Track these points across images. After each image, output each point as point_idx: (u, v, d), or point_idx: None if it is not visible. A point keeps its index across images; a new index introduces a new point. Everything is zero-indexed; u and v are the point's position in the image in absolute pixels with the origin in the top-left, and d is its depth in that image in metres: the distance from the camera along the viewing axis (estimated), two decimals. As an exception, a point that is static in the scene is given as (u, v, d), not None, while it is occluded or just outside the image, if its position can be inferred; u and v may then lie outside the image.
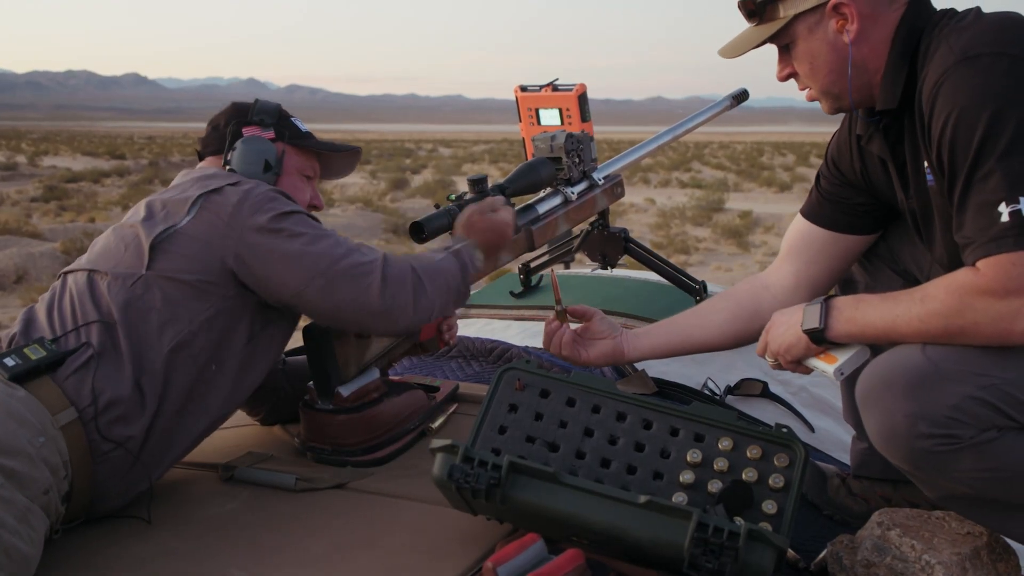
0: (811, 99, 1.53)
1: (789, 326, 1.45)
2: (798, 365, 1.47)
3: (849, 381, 1.55)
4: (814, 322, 1.40)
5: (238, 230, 1.55)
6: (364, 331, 1.76)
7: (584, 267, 3.18)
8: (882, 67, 1.43)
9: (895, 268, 1.66)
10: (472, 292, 2.54)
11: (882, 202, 1.60)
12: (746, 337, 1.70)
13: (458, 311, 2.69)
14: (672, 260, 3.28)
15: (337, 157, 1.90)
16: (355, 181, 24.07)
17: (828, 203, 1.65)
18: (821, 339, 1.41)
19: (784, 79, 1.54)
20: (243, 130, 1.76)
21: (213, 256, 1.55)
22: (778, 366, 1.51)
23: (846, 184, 1.63)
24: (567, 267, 3.05)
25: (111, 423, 1.45)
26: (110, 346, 1.49)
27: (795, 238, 1.71)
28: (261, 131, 1.77)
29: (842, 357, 1.41)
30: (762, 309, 1.61)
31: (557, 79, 2.45)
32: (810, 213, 1.69)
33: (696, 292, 2.59)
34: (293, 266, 1.56)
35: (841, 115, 1.60)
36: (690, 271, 3.33)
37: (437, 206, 1.90)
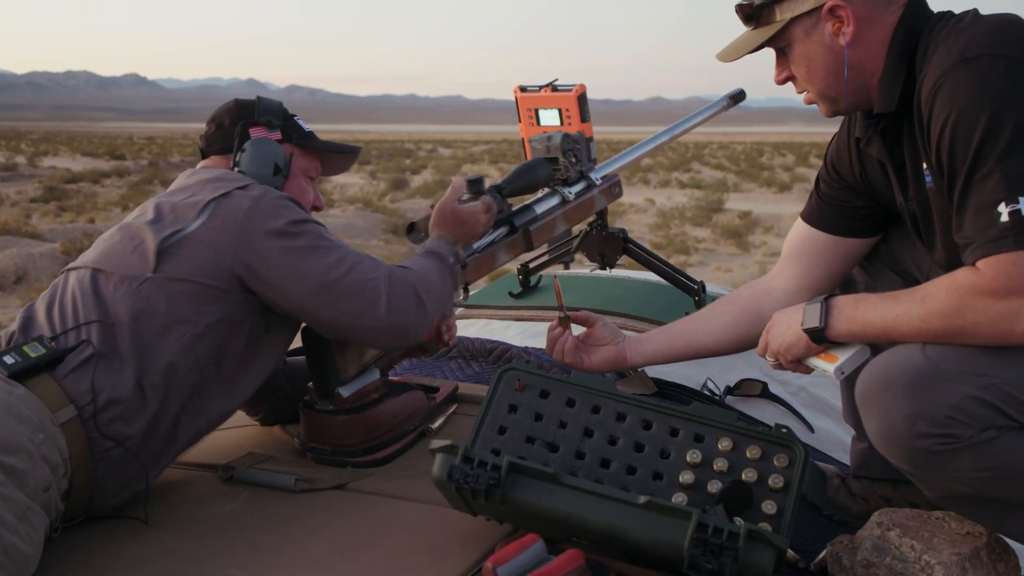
0: (809, 102, 1.53)
1: (789, 325, 1.45)
2: (798, 365, 1.47)
3: (849, 381, 1.55)
4: (814, 321, 1.40)
5: (248, 236, 1.55)
6: (366, 345, 1.76)
7: (583, 267, 3.18)
8: (879, 70, 1.43)
9: (895, 269, 1.67)
10: (472, 293, 2.55)
11: (882, 205, 1.60)
12: (748, 341, 1.70)
13: (458, 311, 2.70)
14: (672, 260, 3.29)
15: (338, 157, 1.90)
16: (355, 181, 24.08)
17: (828, 207, 1.65)
18: (821, 338, 1.41)
19: (782, 82, 1.55)
20: (250, 131, 1.75)
21: (221, 262, 1.55)
22: (779, 366, 1.51)
23: (846, 187, 1.63)
24: (566, 267, 3.05)
25: (110, 421, 1.45)
26: (111, 345, 1.49)
27: (796, 242, 1.71)
28: (268, 132, 1.76)
29: (842, 356, 1.41)
30: (764, 313, 1.61)
31: (557, 79, 2.45)
32: (810, 217, 1.69)
33: (695, 292, 2.59)
34: (301, 277, 1.56)
35: (839, 117, 1.60)
36: (690, 271, 3.33)
37: (434, 207, 1.91)
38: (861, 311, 1.37)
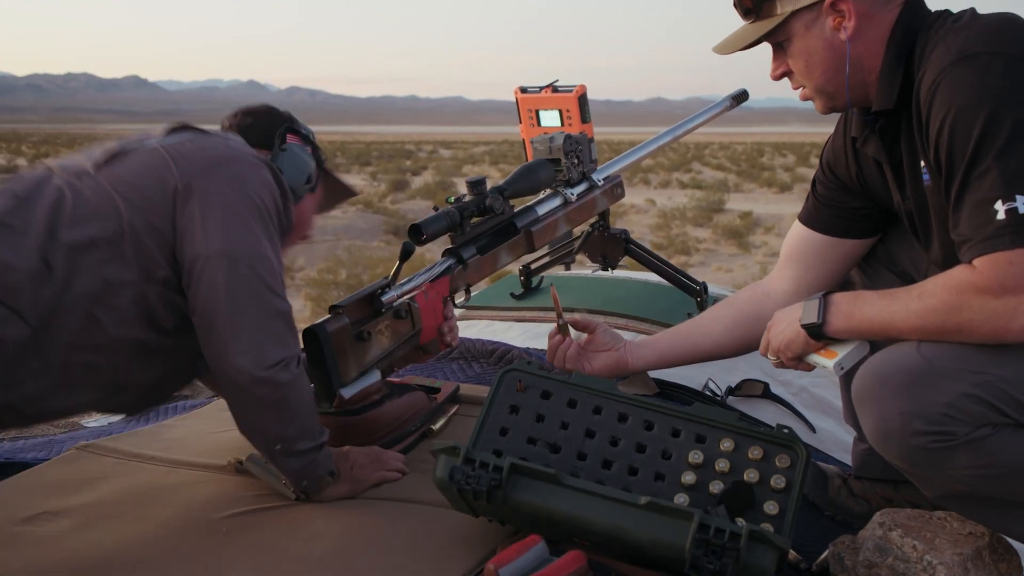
0: (804, 98, 1.53)
1: (789, 322, 1.45)
2: (799, 362, 1.48)
3: (848, 381, 1.55)
4: (812, 317, 1.40)
5: (213, 169, 1.51)
6: (207, 357, 1.50)
7: (585, 268, 3.18)
8: (877, 67, 1.43)
9: (893, 270, 1.67)
10: (473, 294, 2.55)
11: (878, 205, 1.60)
12: (749, 344, 1.70)
13: (459, 312, 2.70)
14: (673, 261, 3.29)
15: (332, 194, 1.88)
16: (355, 183, 24.05)
17: (825, 208, 1.66)
18: (819, 334, 1.41)
19: (778, 78, 1.54)
20: (290, 137, 1.75)
21: (167, 178, 1.49)
22: (780, 365, 1.51)
23: (842, 188, 1.63)
24: (568, 268, 3.05)
25: (9, 290, 1.38)
26: (23, 217, 1.44)
27: (794, 244, 1.71)
28: (304, 144, 1.76)
29: (842, 352, 1.42)
30: (764, 315, 1.61)
31: (557, 80, 2.45)
32: (808, 219, 1.69)
33: (696, 293, 2.59)
34: (219, 231, 1.46)
35: (837, 115, 1.60)
36: (691, 272, 3.33)
37: (436, 208, 1.91)
38: (859, 307, 1.37)
